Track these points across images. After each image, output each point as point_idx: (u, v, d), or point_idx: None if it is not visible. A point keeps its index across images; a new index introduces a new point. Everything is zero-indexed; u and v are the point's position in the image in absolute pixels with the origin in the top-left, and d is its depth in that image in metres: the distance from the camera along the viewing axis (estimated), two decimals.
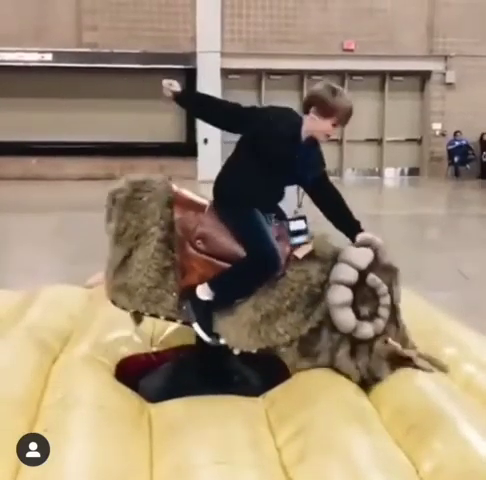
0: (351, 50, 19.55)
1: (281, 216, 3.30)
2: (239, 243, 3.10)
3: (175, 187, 3.27)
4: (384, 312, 3.09)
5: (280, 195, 3.31)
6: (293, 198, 3.31)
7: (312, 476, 2.38)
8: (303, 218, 3.29)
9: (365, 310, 3.07)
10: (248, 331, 3.06)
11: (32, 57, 18.35)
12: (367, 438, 2.54)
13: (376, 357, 3.06)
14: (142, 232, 3.12)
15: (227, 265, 3.09)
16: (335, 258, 3.12)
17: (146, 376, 3.31)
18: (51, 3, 18.26)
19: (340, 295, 3.03)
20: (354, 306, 3.05)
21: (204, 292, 3.08)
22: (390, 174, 21.10)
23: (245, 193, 3.16)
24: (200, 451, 2.50)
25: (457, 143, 19.89)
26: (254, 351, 3.14)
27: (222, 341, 3.12)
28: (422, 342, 3.52)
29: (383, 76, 20.28)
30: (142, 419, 2.83)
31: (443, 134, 20.25)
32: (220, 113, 3.20)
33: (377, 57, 19.37)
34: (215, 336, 3.11)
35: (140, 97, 18.71)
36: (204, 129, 18.90)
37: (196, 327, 3.09)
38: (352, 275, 3.05)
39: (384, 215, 13.55)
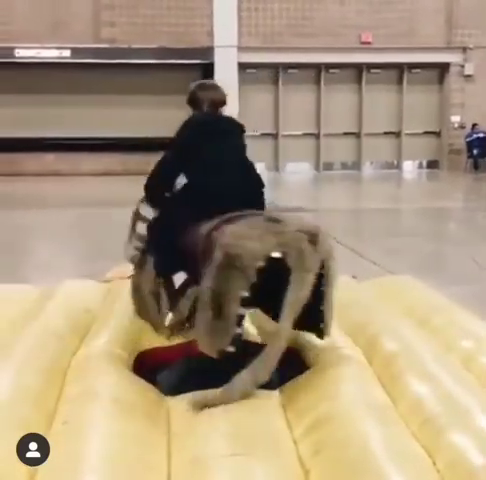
0: (369, 43, 19.49)
1: None
2: None
3: None
4: None
5: None
6: None
7: (329, 468, 2.38)
8: None
9: None
10: None
11: (50, 53, 18.48)
12: (384, 431, 2.54)
13: None
14: None
15: None
16: None
17: (164, 370, 3.33)
18: None
19: None
20: None
21: None
22: (409, 167, 21.02)
23: None
24: (217, 443, 2.51)
25: (475, 135, 19.77)
26: None
27: None
28: (438, 336, 3.53)
29: (401, 69, 20.20)
30: (160, 412, 2.85)
31: (462, 126, 20.14)
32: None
33: (395, 49, 19.30)
34: None
35: (158, 92, 18.79)
36: None
37: None
38: None
39: (403, 209, 13.52)
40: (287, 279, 2.87)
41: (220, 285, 2.84)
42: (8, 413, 2.57)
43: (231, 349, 2.89)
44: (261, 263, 2.83)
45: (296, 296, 2.87)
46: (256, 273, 2.81)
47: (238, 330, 2.94)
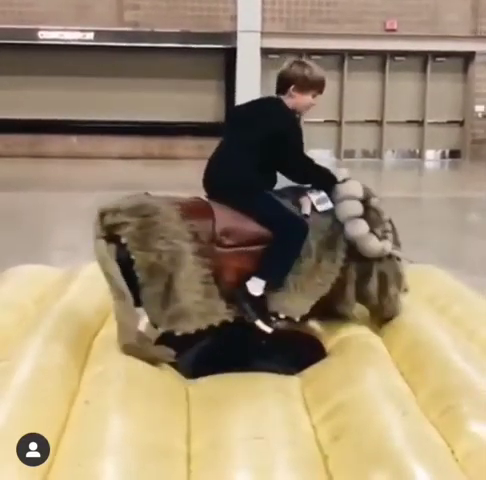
0: (394, 30, 19.29)
1: None
2: (259, 223, 3.14)
3: (165, 198, 3.20)
4: (389, 231, 3.38)
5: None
6: None
7: (347, 455, 2.40)
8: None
9: (378, 231, 3.32)
10: (299, 295, 3.16)
11: (74, 36, 18.45)
12: (402, 419, 2.55)
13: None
14: (176, 253, 2.98)
15: (257, 247, 3.10)
16: None
17: (184, 352, 3.35)
18: None
19: (360, 227, 3.26)
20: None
21: (256, 287, 3.07)
22: (431, 156, 20.83)
23: (259, 182, 3.29)
24: (236, 427, 2.53)
25: None
26: (307, 312, 3.24)
27: (282, 316, 3.19)
28: (459, 325, 3.52)
29: (425, 57, 19.99)
30: (180, 394, 2.87)
31: None
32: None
33: (420, 37, 19.09)
34: (273, 318, 3.16)
35: (180, 76, 18.76)
36: None
37: (260, 324, 3.07)
38: (358, 207, 3.29)
39: (424, 198, 13.44)
40: None
41: None
42: (31, 392, 2.60)
43: None
44: None
45: None
46: None
47: None
